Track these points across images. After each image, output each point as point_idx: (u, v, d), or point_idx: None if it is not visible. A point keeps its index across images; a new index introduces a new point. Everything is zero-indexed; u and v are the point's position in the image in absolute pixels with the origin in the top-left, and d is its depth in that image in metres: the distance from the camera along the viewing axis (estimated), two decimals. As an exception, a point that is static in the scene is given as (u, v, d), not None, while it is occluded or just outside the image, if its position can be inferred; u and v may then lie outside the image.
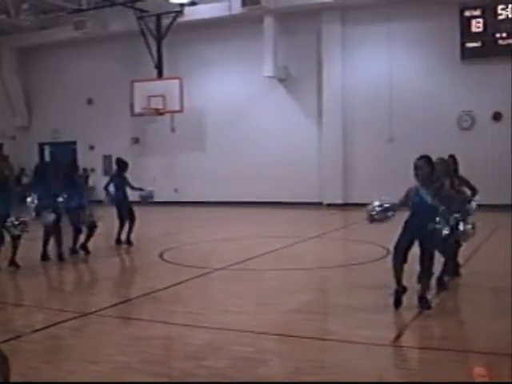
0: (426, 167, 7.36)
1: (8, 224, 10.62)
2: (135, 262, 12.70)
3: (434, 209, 7.35)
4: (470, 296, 8.57)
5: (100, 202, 14.27)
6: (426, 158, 7.45)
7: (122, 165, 13.84)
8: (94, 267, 11.90)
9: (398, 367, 5.81)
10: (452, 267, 8.82)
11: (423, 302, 7.39)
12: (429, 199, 7.31)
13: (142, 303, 8.40)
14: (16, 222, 10.69)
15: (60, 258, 11.67)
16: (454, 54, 20.12)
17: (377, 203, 7.64)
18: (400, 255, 7.37)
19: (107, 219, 13.64)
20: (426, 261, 7.38)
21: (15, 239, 10.87)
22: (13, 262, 10.85)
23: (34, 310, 8.20)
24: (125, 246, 13.43)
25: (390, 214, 7.60)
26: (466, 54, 20.04)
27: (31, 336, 6.71)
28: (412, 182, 7.52)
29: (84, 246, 12.49)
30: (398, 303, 7.40)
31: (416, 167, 7.41)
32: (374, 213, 7.62)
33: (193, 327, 6.99)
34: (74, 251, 12.37)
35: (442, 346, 6.18)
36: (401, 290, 7.43)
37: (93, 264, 12.03)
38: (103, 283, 10.30)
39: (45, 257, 11.64)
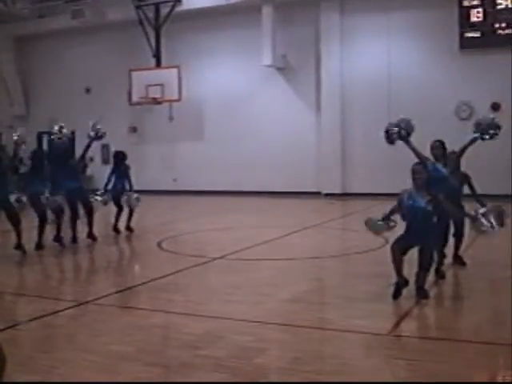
0: (424, 173, 7.46)
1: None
2: (133, 251, 12.69)
3: (427, 213, 7.35)
4: (468, 286, 8.58)
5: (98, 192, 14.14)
6: (423, 164, 7.67)
7: (122, 156, 13.95)
8: (91, 256, 11.87)
9: (396, 357, 5.79)
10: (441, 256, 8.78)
11: (421, 292, 7.38)
12: (422, 203, 7.32)
13: (139, 292, 8.39)
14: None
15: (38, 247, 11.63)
16: (453, 44, 20.11)
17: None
18: (398, 251, 7.36)
19: (104, 207, 13.58)
20: (426, 259, 7.37)
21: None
22: (19, 246, 11.01)
23: (31, 298, 8.16)
24: (123, 235, 13.48)
25: (391, 224, 7.87)
26: (465, 44, 20.02)
27: (28, 325, 6.69)
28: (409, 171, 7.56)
29: (91, 234, 12.63)
30: (397, 295, 7.35)
31: (414, 172, 7.48)
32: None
33: (191, 316, 6.97)
34: (74, 240, 12.35)
35: (441, 336, 6.18)
36: (402, 282, 7.37)
37: (90, 253, 12.01)
38: (101, 272, 10.27)
39: (40, 246, 11.63)
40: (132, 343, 5.99)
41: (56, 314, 7.18)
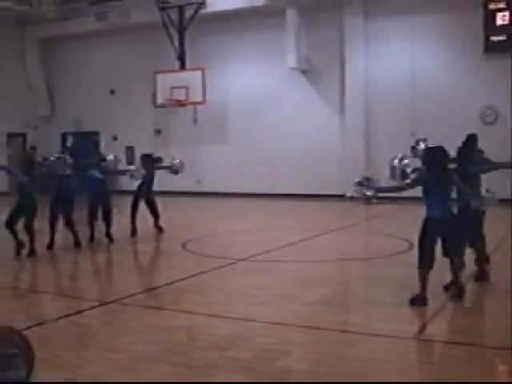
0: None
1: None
2: (158, 252, 12.74)
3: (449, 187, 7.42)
4: (494, 290, 8.49)
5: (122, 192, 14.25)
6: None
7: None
8: (116, 256, 11.96)
9: (419, 361, 5.79)
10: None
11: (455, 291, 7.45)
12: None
13: (164, 293, 8.43)
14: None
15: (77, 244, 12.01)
16: (478, 47, 19.92)
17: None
18: (427, 258, 7.28)
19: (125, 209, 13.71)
20: (452, 246, 7.43)
21: None
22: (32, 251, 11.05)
23: (58, 297, 8.26)
24: (149, 235, 13.54)
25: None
26: (490, 48, 19.81)
27: (54, 323, 6.76)
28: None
29: (108, 233, 12.79)
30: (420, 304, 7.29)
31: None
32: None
33: (215, 317, 7.00)
34: (91, 240, 12.64)
35: (465, 341, 6.13)
36: (421, 299, 7.24)
37: (115, 253, 12.10)
38: (126, 272, 10.32)
39: (78, 243, 12.01)
40: (156, 343, 6.04)
41: (82, 312, 7.25)
